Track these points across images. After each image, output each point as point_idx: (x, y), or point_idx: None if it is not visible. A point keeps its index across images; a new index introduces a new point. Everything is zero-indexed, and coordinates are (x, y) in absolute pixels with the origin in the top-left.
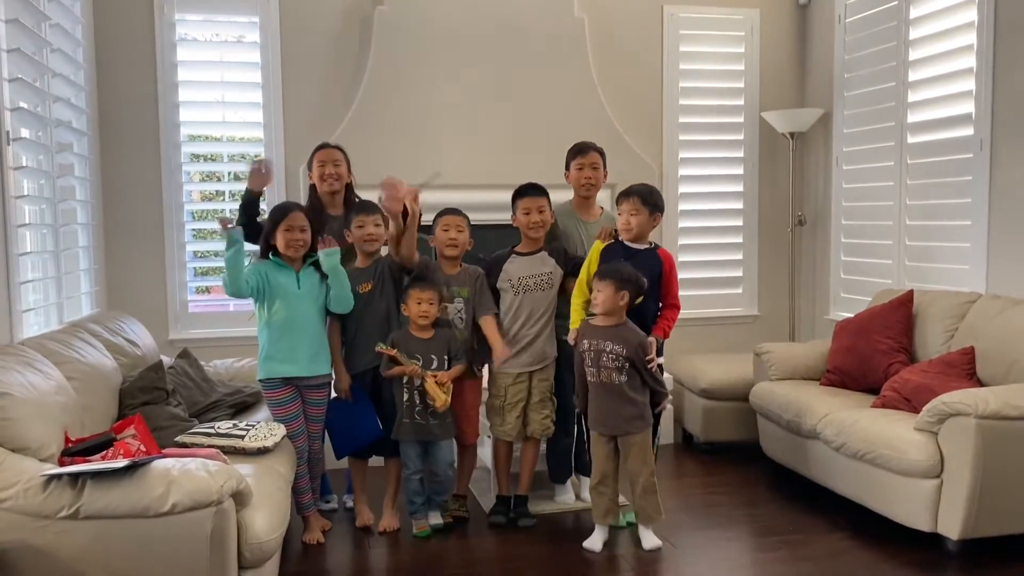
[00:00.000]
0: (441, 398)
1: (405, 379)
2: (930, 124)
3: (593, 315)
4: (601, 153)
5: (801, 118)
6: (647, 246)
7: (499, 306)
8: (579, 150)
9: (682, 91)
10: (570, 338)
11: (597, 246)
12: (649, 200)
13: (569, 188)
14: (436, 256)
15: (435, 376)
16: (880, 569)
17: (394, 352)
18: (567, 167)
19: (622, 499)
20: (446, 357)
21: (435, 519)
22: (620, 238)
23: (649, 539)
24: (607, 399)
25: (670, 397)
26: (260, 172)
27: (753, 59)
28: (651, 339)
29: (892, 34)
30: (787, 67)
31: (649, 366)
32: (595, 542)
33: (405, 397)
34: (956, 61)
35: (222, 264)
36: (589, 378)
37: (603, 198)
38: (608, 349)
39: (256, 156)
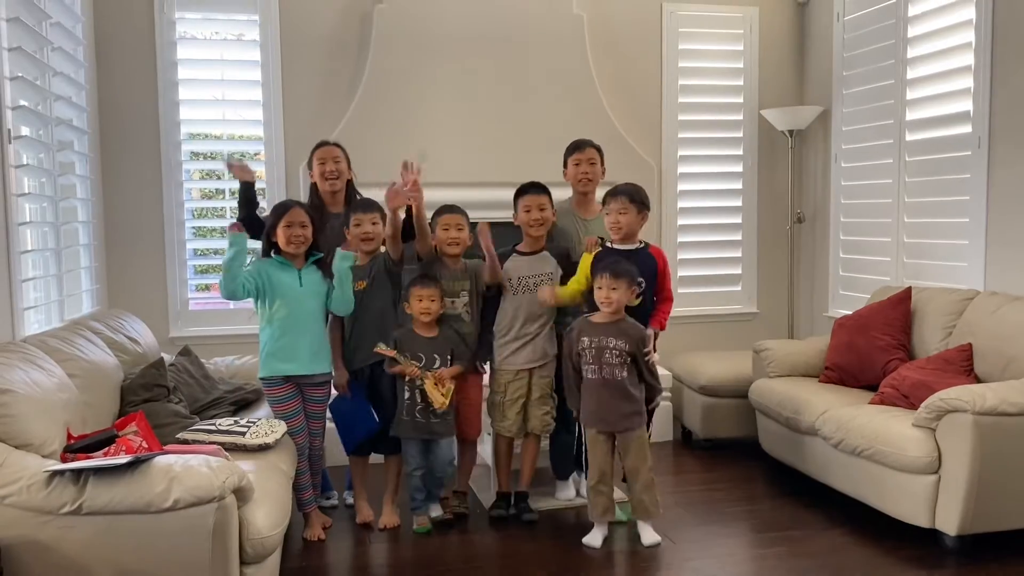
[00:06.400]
0: (439, 400)
1: (407, 377)
2: (928, 122)
3: (586, 312)
4: (598, 149)
5: (800, 116)
6: (638, 245)
7: (499, 302)
8: (576, 147)
9: (681, 89)
10: (547, 295)
11: (586, 258)
12: (636, 198)
13: (568, 186)
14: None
15: (434, 376)
16: (878, 565)
17: (393, 353)
18: (565, 164)
19: (618, 494)
20: (449, 357)
21: (435, 511)
22: (608, 243)
23: (649, 535)
24: (607, 396)
25: (664, 392)
26: (237, 167)
27: (752, 57)
28: (649, 331)
29: (891, 32)
30: (786, 65)
31: (648, 359)
32: (595, 539)
33: (407, 395)
34: (954, 59)
35: (221, 262)
36: (589, 375)
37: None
38: (612, 345)
39: (231, 155)
